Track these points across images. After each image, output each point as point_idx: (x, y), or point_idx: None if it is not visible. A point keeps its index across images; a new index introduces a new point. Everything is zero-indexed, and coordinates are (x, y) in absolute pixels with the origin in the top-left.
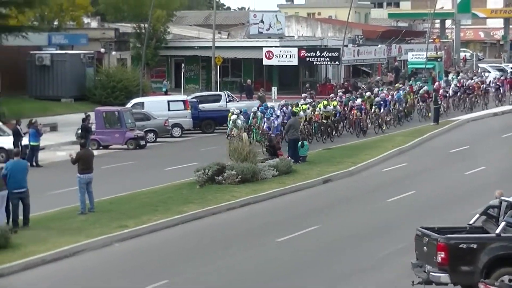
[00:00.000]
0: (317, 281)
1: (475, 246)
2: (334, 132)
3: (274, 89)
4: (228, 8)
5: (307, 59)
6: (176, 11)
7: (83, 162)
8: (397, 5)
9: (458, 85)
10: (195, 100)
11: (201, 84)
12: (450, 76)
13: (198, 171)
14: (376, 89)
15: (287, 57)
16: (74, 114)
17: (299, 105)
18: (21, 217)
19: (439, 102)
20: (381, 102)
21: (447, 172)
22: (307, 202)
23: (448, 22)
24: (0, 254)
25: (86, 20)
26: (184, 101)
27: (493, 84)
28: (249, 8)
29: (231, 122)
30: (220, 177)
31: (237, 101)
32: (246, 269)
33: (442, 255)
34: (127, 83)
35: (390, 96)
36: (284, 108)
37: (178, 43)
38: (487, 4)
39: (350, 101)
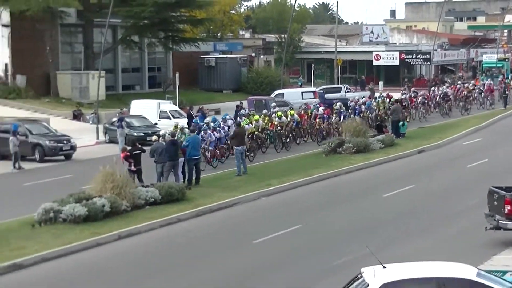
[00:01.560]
0: (414, 226)
1: None
2: (288, 140)
3: (381, 83)
4: (346, 22)
5: (406, 60)
6: (308, 25)
7: (238, 137)
8: (474, 19)
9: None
10: (322, 91)
11: (326, 79)
12: None
13: (324, 144)
14: (357, 96)
15: (390, 59)
16: (232, 102)
17: (248, 117)
18: (194, 177)
19: (507, 92)
20: (341, 111)
21: None
22: (406, 167)
23: None
24: (179, 205)
25: (241, 32)
26: (314, 92)
27: (477, 90)
28: (362, 22)
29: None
30: (340, 148)
31: (353, 92)
32: (363, 216)
33: (509, 208)
34: (271, 78)
35: (359, 105)
36: (231, 120)
37: (309, 49)
38: None
39: (315, 110)
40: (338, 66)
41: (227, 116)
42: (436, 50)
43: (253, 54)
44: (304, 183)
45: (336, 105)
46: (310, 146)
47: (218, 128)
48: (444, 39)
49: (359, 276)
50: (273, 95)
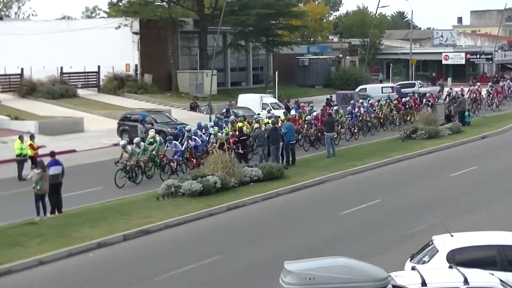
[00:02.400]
0: (478, 201)
1: None
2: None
3: (449, 79)
4: (420, 28)
5: (471, 60)
6: (386, 30)
7: (328, 125)
8: None
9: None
10: (398, 86)
11: (402, 76)
12: None
13: (401, 130)
14: (360, 100)
15: (458, 59)
16: (323, 96)
17: (233, 125)
18: (290, 159)
19: None
20: (333, 116)
21: None
22: (470, 151)
23: None
24: (278, 182)
25: (330, 37)
26: (392, 87)
27: (486, 92)
28: (433, 27)
29: (121, 147)
30: (414, 135)
31: (425, 87)
32: (434, 192)
33: None
34: (356, 76)
35: (357, 108)
36: (211, 128)
37: (387, 51)
38: None
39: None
40: (413, 65)
41: (209, 124)
42: (497, 51)
43: (340, 55)
44: (383, 164)
45: (332, 110)
46: (299, 151)
47: (193, 137)
48: (504, 41)
49: (430, 243)
50: (357, 89)
